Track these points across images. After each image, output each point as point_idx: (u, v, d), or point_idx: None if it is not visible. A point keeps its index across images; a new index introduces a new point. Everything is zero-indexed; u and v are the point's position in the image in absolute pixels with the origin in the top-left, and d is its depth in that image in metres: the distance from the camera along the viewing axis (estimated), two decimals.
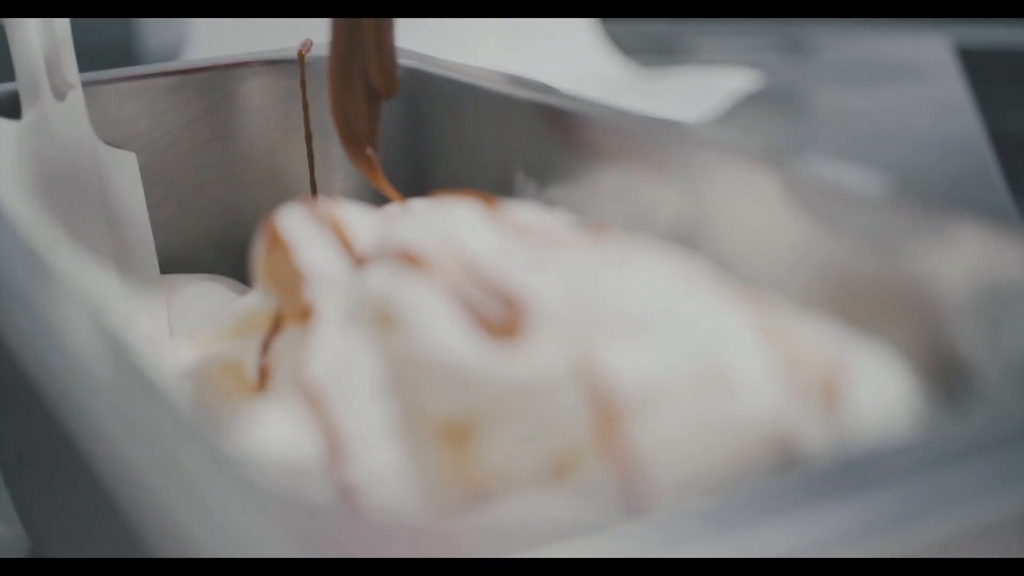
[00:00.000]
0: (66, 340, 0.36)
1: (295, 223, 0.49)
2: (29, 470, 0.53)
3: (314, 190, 0.70)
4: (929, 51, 1.46)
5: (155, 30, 1.45)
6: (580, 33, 1.38)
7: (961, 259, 0.39)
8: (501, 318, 0.40)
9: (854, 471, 0.28)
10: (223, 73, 0.68)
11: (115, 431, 0.32)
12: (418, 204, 0.50)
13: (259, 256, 0.50)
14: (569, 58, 1.36)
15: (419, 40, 1.27)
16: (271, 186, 0.70)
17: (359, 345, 0.44)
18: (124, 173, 0.64)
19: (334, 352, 0.44)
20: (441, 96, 0.64)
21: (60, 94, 0.61)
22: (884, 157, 1.11)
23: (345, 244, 0.48)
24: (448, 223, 0.46)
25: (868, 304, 0.42)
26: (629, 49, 1.46)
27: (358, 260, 0.47)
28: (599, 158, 0.54)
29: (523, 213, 0.47)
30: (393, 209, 0.52)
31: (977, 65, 1.44)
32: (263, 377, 0.49)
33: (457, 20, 1.35)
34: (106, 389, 0.33)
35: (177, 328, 0.63)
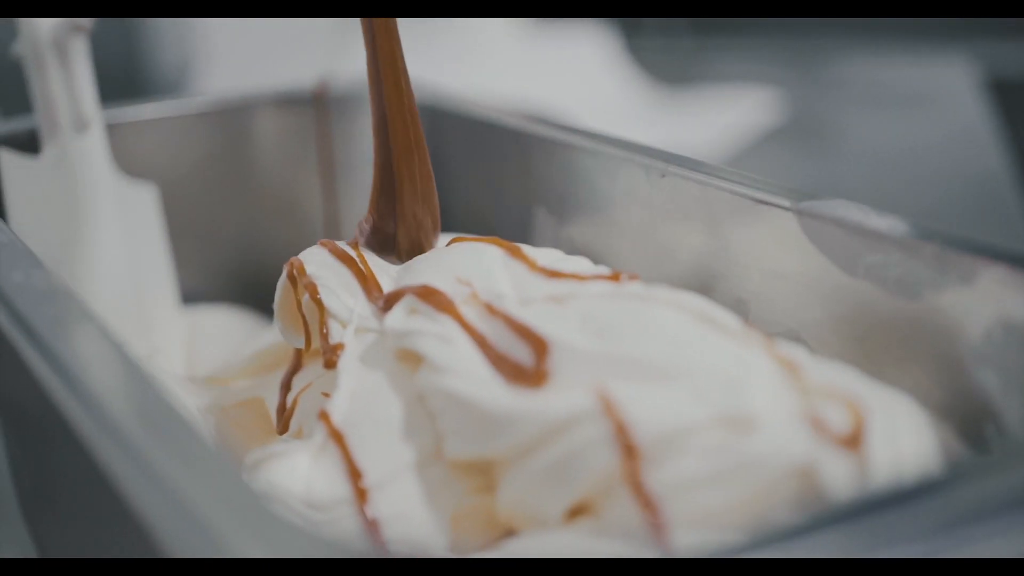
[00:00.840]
0: (89, 375, 0.36)
1: (318, 262, 0.50)
2: (48, 504, 0.54)
3: (329, 224, 0.71)
4: (952, 79, 1.45)
5: (160, 50, 1.45)
6: (602, 51, 1.38)
7: (983, 303, 0.39)
8: (525, 362, 0.41)
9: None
10: (240, 109, 0.69)
11: (138, 467, 0.32)
12: (441, 246, 0.50)
13: (281, 294, 0.50)
14: (591, 79, 1.35)
15: (442, 61, 1.28)
16: (287, 219, 0.71)
17: (383, 384, 0.44)
18: (144, 206, 0.64)
19: (358, 390, 0.44)
20: (461, 134, 0.65)
21: (79, 129, 0.61)
22: (906, 193, 1.11)
23: (367, 284, 0.48)
24: (471, 267, 0.46)
25: (890, 345, 0.43)
26: (652, 66, 1.46)
27: (381, 300, 0.47)
28: (619, 196, 0.54)
29: (544, 257, 0.47)
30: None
31: (1012, 95, 1.43)
32: (285, 415, 0.50)
33: (481, 42, 1.35)
34: (129, 425, 0.34)
35: (196, 360, 0.63)
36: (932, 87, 1.47)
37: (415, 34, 1.32)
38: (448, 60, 1.29)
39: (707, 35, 1.83)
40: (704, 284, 0.50)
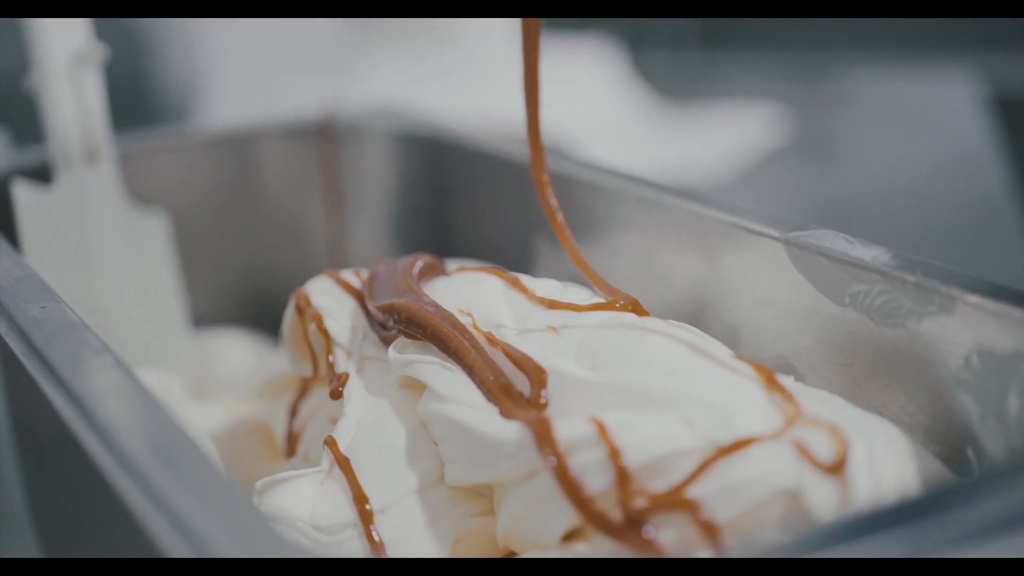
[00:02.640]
0: (104, 408, 0.37)
1: (323, 292, 0.51)
2: (63, 527, 0.55)
3: (333, 250, 0.72)
4: (955, 94, 1.45)
5: (163, 73, 1.46)
6: (608, 66, 1.39)
7: (962, 331, 0.41)
8: (524, 391, 0.42)
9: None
10: (248, 138, 0.71)
11: (152, 499, 0.34)
12: (441, 279, 0.51)
13: (289, 324, 0.51)
14: (597, 94, 1.36)
15: (446, 77, 1.28)
16: (293, 245, 0.72)
17: (388, 411, 0.46)
18: (154, 232, 0.65)
19: (363, 418, 0.46)
20: (463, 164, 0.66)
21: (92, 159, 0.63)
22: (908, 209, 1.11)
23: (372, 313, 0.50)
24: (473, 297, 0.48)
25: (875, 372, 0.44)
26: (658, 81, 1.46)
27: (385, 329, 0.49)
28: (615, 225, 0.55)
29: (542, 288, 0.48)
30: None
31: (1015, 112, 1.43)
32: (292, 441, 0.51)
33: (484, 57, 1.36)
34: (143, 457, 0.35)
35: (206, 381, 0.65)
36: (936, 102, 1.47)
37: (418, 51, 1.33)
38: (452, 76, 1.31)
39: (712, 50, 1.83)
40: (697, 311, 0.51)
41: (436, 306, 0.47)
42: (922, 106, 1.47)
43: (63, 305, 0.45)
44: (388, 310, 0.48)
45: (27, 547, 0.63)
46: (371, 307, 0.49)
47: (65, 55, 0.62)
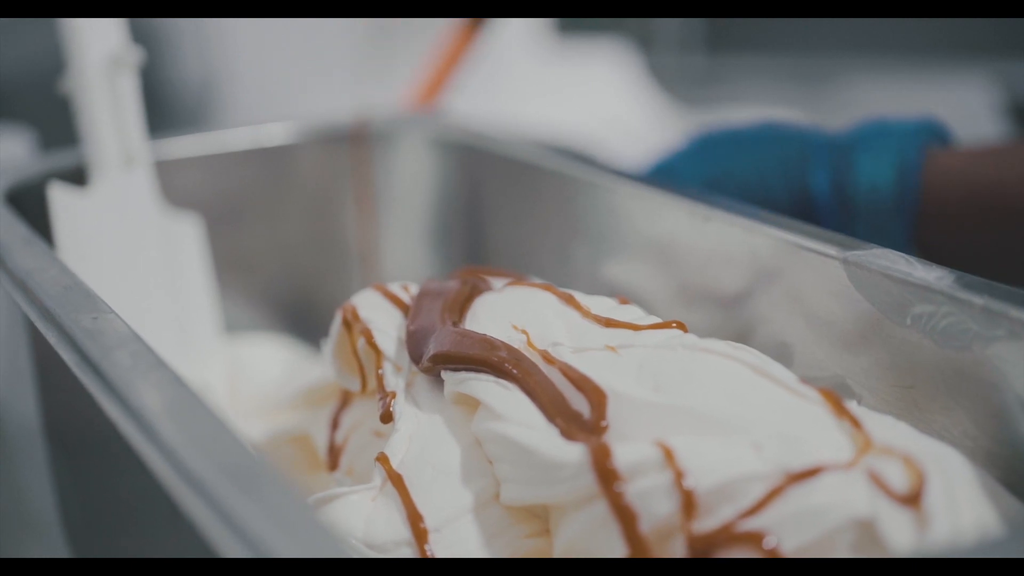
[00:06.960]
0: (166, 424, 0.37)
1: (371, 306, 0.51)
2: (100, 532, 0.55)
3: (365, 255, 0.72)
4: (970, 100, 1.44)
5: (180, 75, 1.45)
6: (620, 70, 1.38)
7: None
8: (583, 413, 0.42)
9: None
10: (282, 143, 0.70)
11: (215, 509, 0.33)
12: (491, 293, 0.51)
13: (336, 338, 0.51)
14: (610, 97, 1.35)
15: (472, 86, 1.28)
16: (325, 251, 0.72)
17: (441, 428, 0.45)
18: (188, 236, 0.65)
19: (415, 434, 0.45)
20: (498, 170, 0.66)
21: (128, 163, 0.62)
22: None
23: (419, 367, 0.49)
24: (526, 314, 0.47)
25: (937, 394, 0.43)
26: (669, 85, 1.46)
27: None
28: (661, 239, 0.55)
29: (597, 305, 0.48)
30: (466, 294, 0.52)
31: None
32: (334, 454, 0.50)
33: (499, 61, 1.35)
34: (204, 463, 0.35)
35: (239, 387, 0.64)
36: (951, 109, 1.46)
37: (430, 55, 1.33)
38: (469, 81, 1.30)
39: (721, 54, 1.83)
40: (749, 329, 0.51)
41: (485, 343, 0.46)
42: (936, 113, 1.45)
43: (115, 316, 0.44)
44: (438, 360, 0.47)
45: (57, 548, 0.63)
46: (421, 365, 0.48)
47: (101, 58, 0.61)
